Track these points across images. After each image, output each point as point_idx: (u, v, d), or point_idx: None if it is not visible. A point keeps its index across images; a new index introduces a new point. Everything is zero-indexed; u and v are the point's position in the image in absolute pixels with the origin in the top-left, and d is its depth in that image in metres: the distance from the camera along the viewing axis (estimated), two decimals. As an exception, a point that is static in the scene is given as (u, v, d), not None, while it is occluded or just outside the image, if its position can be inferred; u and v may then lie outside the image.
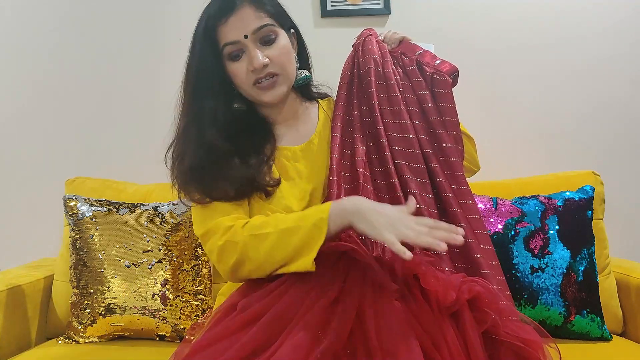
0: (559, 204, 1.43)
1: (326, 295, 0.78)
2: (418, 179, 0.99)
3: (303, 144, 1.07)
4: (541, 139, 1.82)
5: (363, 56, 1.13)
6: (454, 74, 1.09)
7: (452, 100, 1.06)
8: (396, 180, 0.99)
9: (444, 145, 1.02)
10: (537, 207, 1.42)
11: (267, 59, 0.98)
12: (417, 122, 1.05)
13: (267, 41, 0.99)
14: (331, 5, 1.82)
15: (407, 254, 0.74)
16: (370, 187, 1.00)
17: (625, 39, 1.78)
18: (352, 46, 1.20)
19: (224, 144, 0.97)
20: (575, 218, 1.42)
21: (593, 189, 1.49)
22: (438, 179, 0.99)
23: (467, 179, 1.02)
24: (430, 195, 0.98)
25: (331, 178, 0.99)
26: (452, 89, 1.07)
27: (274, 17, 1.01)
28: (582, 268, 1.38)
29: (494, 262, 0.94)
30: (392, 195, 0.99)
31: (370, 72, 1.09)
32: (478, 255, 0.92)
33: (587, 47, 1.79)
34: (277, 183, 1.00)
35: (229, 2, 0.97)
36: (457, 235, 0.79)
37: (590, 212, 1.45)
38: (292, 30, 1.08)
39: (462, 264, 0.94)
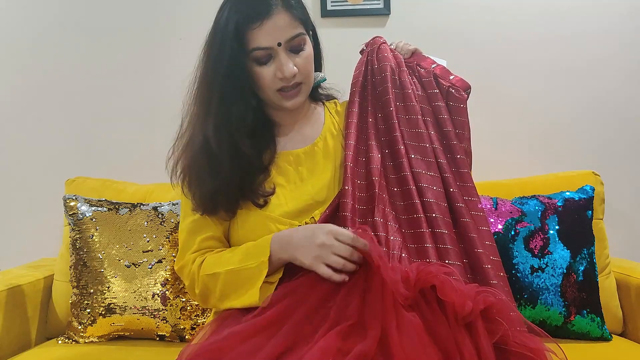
0: (559, 204, 1.43)
1: (346, 316, 0.79)
2: (434, 188, 0.99)
3: (307, 146, 1.07)
4: (541, 139, 1.82)
5: (378, 63, 1.13)
6: (467, 91, 1.11)
7: (466, 115, 1.08)
8: (413, 187, 0.99)
9: (457, 157, 1.04)
10: (537, 207, 1.42)
11: (296, 69, 0.97)
12: (432, 132, 1.06)
13: (296, 50, 0.98)
14: (331, 5, 1.82)
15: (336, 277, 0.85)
16: (385, 195, 1.00)
17: (625, 38, 1.78)
18: (360, 52, 1.20)
19: (250, 152, 0.99)
20: (575, 218, 1.42)
21: (593, 189, 1.49)
22: (451, 189, 1.00)
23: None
24: (445, 205, 0.98)
25: (346, 187, 0.98)
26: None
27: (304, 24, 0.99)
28: (582, 268, 1.38)
29: (501, 274, 0.95)
30: (407, 203, 0.99)
31: (387, 79, 1.09)
32: (488, 266, 0.93)
33: (587, 47, 1.79)
34: (270, 194, 1.00)
35: (264, 5, 0.94)
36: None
37: (590, 212, 1.45)
38: (311, 32, 1.06)
39: (471, 275, 0.94)
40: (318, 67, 1.13)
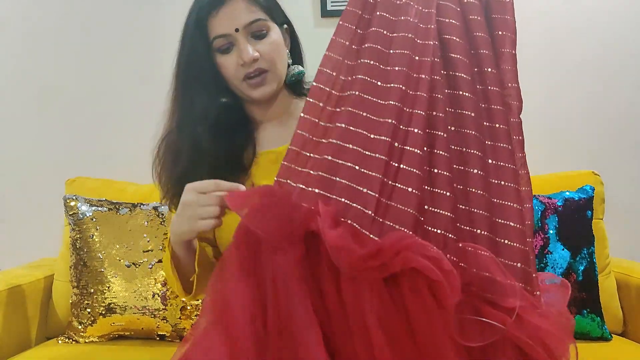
0: (559, 204, 1.43)
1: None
2: (435, 113, 0.73)
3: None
4: (541, 138, 1.81)
5: None
6: None
7: (513, 13, 0.80)
8: (390, 121, 0.71)
9: (485, 70, 0.79)
10: (537, 207, 1.42)
11: (257, 54, 0.95)
12: (456, 40, 0.78)
13: (258, 35, 0.97)
14: (331, 5, 1.82)
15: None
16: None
17: (627, 39, 1.78)
18: None
19: (211, 148, 0.96)
20: (575, 218, 1.42)
21: (593, 189, 1.49)
22: (468, 113, 0.75)
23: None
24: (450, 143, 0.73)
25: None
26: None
27: (267, 11, 0.98)
28: (582, 268, 1.38)
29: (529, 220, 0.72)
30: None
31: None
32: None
33: (588, 47, 1.79)
34: None
35: None
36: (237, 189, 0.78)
37: (590, 212, 1.45)
38: (285, 26, 1.05)
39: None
40: (299, 63, 1.09)
